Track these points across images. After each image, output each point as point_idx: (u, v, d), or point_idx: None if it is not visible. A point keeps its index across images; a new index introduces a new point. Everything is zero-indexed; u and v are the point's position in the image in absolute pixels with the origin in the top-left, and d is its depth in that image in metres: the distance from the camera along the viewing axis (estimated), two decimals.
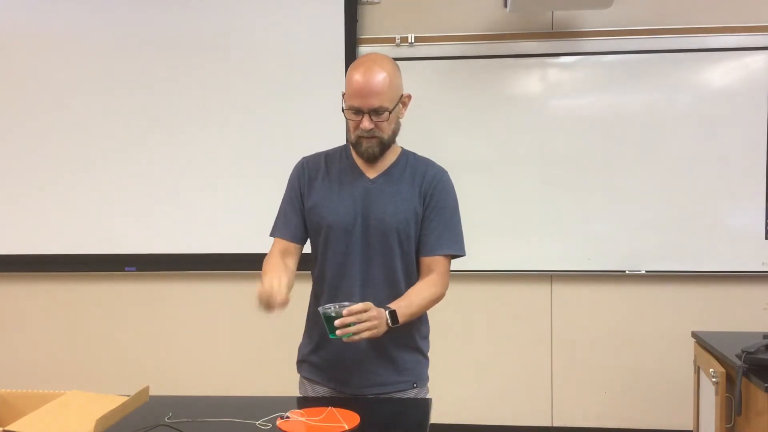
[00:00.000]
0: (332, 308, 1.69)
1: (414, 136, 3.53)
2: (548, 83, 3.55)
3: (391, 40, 3.57)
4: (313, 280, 2.00)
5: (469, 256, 3.77)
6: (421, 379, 1.98)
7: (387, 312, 1.76)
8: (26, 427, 1.61)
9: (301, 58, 3.58)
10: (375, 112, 1.81)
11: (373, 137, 1.84)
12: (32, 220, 3.75)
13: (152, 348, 3.79)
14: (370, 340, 1.81)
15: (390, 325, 1.76)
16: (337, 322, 1.67)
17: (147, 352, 3.79)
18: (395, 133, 1.91)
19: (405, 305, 1.82)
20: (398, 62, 3.78)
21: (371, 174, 1.93)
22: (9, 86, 3.76)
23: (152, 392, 1.87)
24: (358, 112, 1.81)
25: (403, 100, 1.90)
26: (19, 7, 3.73)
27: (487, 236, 3.56)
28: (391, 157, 1.95)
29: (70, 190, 3.74)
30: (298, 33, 3.60)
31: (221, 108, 3.66)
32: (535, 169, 3.55)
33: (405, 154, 1.99)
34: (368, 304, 1.71)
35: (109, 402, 1.76)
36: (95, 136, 3.72)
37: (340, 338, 1.67)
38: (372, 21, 3.61)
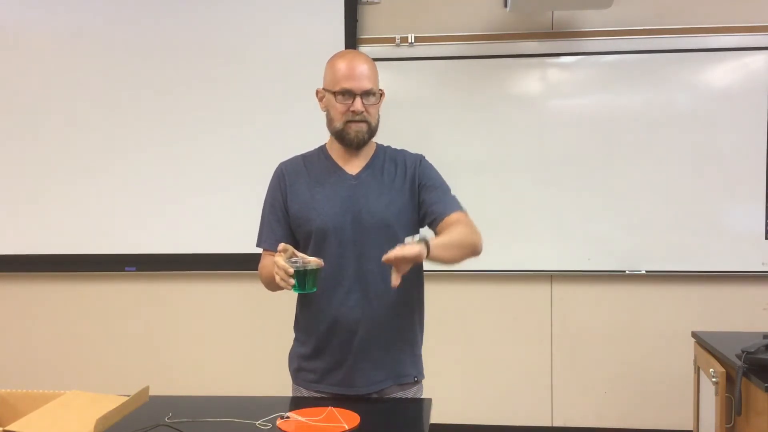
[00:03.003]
0: (299, 262, 1.69)
1: (414, 136, 3.56)
2: (548, 83, 3.55)
3: (391, 40, 3.57)
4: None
5: None
6: (420, 373, 1.99)
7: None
8: (26, 427, 1.61)
9: (301, 58, 3.58)
10: (366, 94, 1.84)
11: (363, 121, 1.85)
12: (33, 220, 3.75)
13: (152, 348, 3.79)
14: (373, 338, 1.84)
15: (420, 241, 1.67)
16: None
17: (147, 352, 3.79)
18: (377, 124, 1.92)
19: (436, 238, 1.76)
20: (398, 62, 3.80)
21: (352, 170, 1.92)
22: (10, 87, 3.76)
23: (152, 392, 1.87)
24: (349, 95, 1.83)
25: (381, 96, 1.93)
26: (23, 9, 3.73)
27: (487, 236, 3.52)
28: (368, 152, 1.95)
29: (71, 190, 3.74)
30: (298, 33, 3.60)
31: (221, 108, 3.66)
32: (534, 169, 3.54)
33: (380, 147, 2.00)
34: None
35: (109, 402, 1.76)
36: (96, 136, 3.72)
37: (306, 292, 1.71)
38: (372, 21, 3.61)
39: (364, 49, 3.55)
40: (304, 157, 1.99)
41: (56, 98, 3.74)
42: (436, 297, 3.62)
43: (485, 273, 3.60)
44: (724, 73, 3.45)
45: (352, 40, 3.54)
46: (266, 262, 1.93)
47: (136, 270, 3.73)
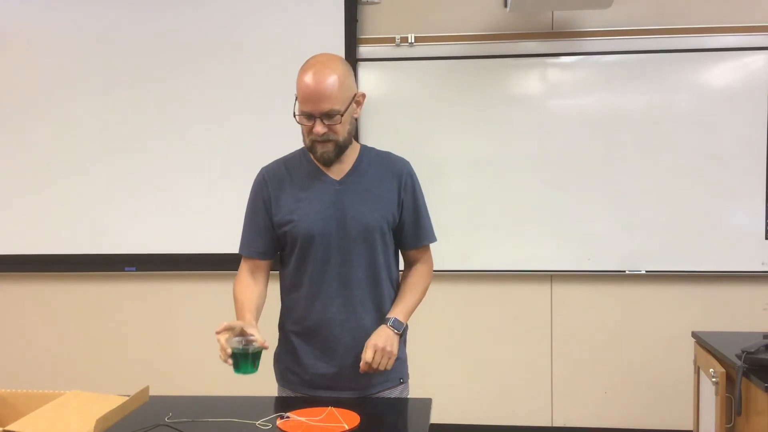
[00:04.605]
0: (242, 343, 1.64)
1: (414, 135, 3.56)
2: (548, 83, 3.55)
3: (391, 40, 3.57)
4: (283, 290, 1.96)
5: (470, 256, 3.79)
6: (406, 374, 1.99)
7: (389, 324, 1.84)
8: (26, 427, 1.61)
9: (301, 58, 3.54)
10: (327, 116, 1.77)
11: (327, 141, 1.81)
12: (32, 220, 3.75)
13: (152, 348, 3.79)
14: (357, 343, 1.84)
15: (398, 331, 1.85)
16: (363, 368, 1.77)
17: (147, 352, 3.79)
18: (351, 133, 1.87)
19: (402, 307, 1.89)
20: (398, 62, 3.79)
21: (336, 175, 1.89)
22: (9, 86, 3.76)
23: (152, 392, 1.87)
24: (310, 117, 1.79)
25: (357, 99, 1.85)
26: (20, 8, 3.73)
27: (487, 236, 3.57)
28: (352, 156, 1.91)
29: (70, 190, 3.74)
30: (298, 33, 3.60)
31: (221, 108, 3.66)
32: (535, 169, 3.54)
33: (365, 150, 1.96)
34: (371, 345, 1.79)
35: (109, 402, 1.76)
36: (95, 136, 3.72)
37: (245, 373, 1.63)
38: (372, 21, 3.61)
39: (364, 49, 3.55)
40: (285, 162, 1.96)
41: (55, 98, 3.74)
42: (436, 297, 3.63)
43: (485, 273, 3.60)
44: (724, 73, 3.45)
45: (352, 40, 3.54)
46: (242, 276, 1.93)
47: (136, 270, 3.73)
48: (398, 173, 1.93)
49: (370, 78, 3.55)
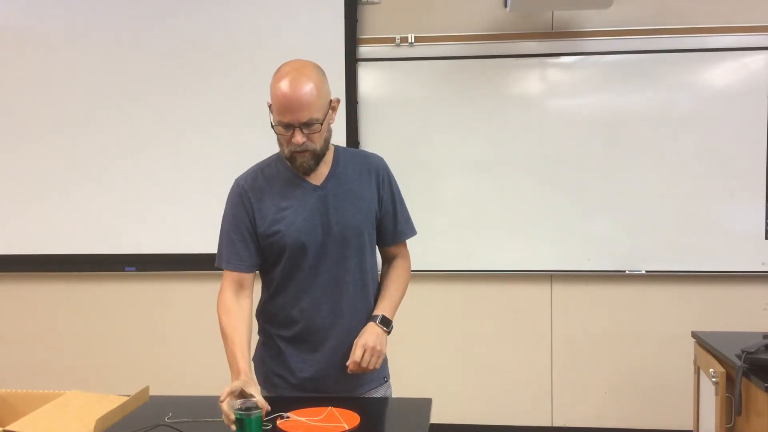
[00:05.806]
0: (241, 408, 1.56)
1: (414, 135, 3.56)
2: (548, 83, 3.55)
3: (391, 40, 3.57)
4: (266, 295, 1.94)
5: (470, 256, 3.79)
6: (388, 373, 2.00)
7: (377, 321, 1.84)
8: (26, 427, 1.62)
9: (301, 58, 3.57)
10: (306, 125, 1.73)
11: (305, 151, 1.77)
12: (32, 220, 3.76)
13: (152, 348, 3.79)
14: (344, 345, 1.84)
15: (386, 329, 1.85)
16: (351, 368, 1.77)
17: (147, 352, 3.79)
18: (328, 141, 1.83)
19: (388, 303, 1.90)
20: (398, 62, 3.79)
21: (316, 180, 1.86)
22: (10, 86, 3.76)
23: (152, 392, 1.87)
24: (288, 126, 1.74)
25: (333, 106, 1.81)
26: (24, 9, 3.73)
27: (487, 236, 3.57)
28: (328, 158, 1.88)
29: (71, 190, 3.74)
30: (298, 33, 3.60)
31: (221, 108, 3.66)
32: (535, 169, 3.55)
33: (339, 150, 1.93)
34: (361, 344, 1.79)
35: (109, 402, 1.76)
36: (96, 136, 3.72)
37: None
38: (372, 21, 3.61)
39: (364, 49, 3.55)
40: (261, 170, 1.91)
41: (56, 98, 3.74)
42: (436, 297, 3.64)
43: (485, 273, 3.60)
44: (724, 73, 3.45)
45: (352, 40, 3.54)
46: (227, 300, 1.89)
47: (136, 270, 3.73)
48: (375, 170, 1.92)
49: (370, 78, 3.55)
